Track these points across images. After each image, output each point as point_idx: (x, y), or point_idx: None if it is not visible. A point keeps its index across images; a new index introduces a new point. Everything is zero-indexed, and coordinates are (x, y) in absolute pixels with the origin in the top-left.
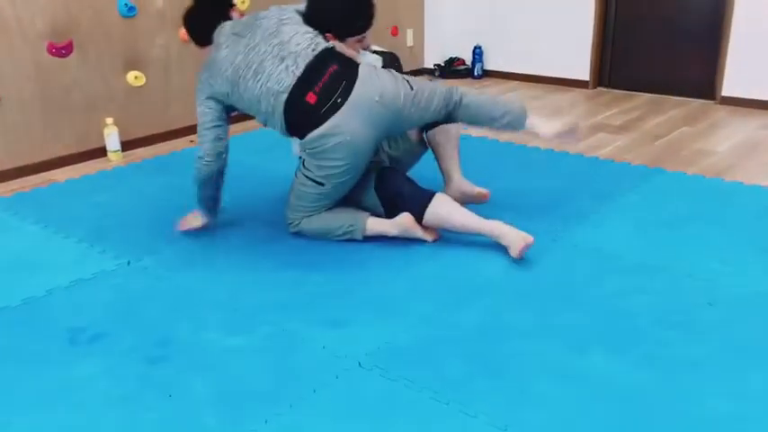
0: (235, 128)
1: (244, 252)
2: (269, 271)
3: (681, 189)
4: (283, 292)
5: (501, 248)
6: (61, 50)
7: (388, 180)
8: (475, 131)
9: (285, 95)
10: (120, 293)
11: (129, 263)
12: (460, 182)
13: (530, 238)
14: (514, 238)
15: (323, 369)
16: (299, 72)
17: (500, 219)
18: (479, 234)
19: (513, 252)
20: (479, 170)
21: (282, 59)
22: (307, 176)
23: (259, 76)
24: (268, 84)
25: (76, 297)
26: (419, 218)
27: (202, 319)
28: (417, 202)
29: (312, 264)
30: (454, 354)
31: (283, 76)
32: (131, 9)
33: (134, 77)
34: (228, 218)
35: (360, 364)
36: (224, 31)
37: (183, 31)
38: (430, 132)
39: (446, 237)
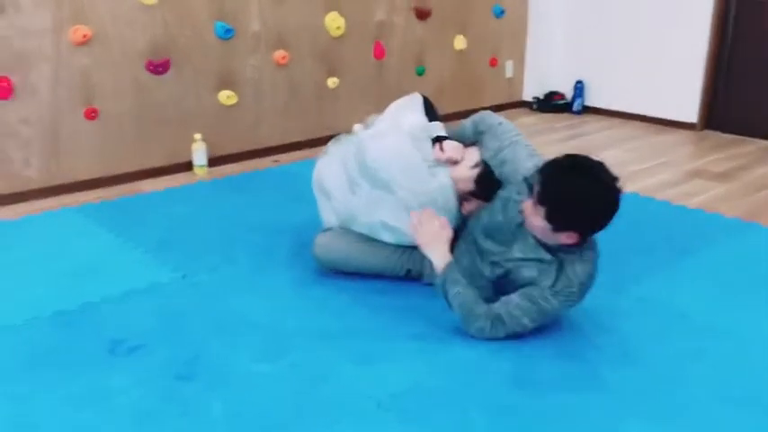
0: None
1: (297, 278)
2: (316, 300)
3: None
4: (324, 322)
5: None
6: (158, 68)
7: None
8: None
9: None
10: (167, 307)
11: (184, 276)
12: None
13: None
14: None
15: (340, 407)
16: None
17: None
18: None
19: None
20: None
21: None
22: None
23: None
24: None
25: (126, 307)
26: None
27: (237, 341)
28: None
29: (360, 295)
30: (482, 403)
31: None
32: (228, 31)
33: (226, 97)
34: (293, 242)
35: (379, 404)
36: None
37: (277, 54)
38: None
39: None
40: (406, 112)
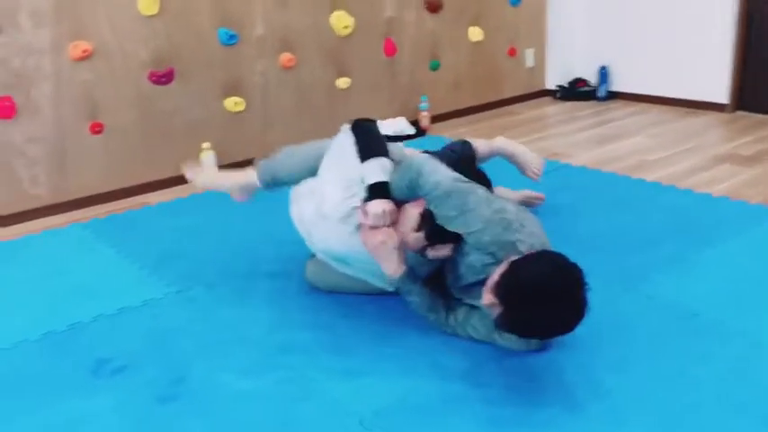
0: None
1: (293, 290)
2: (308, 312)
3: None
4: (313, 336)
5: None
6: (162, 78)
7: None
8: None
9: None
10: (158, 324)
11: (179, 292)
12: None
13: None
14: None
15: (322, 424)
16: None
17: (576, 260)
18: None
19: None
20: (573, 202)
21: None
22: None
23: None
24: None
25: (117, 325)
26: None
27: (225, 358)
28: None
29: (350, 308)
30: (473, 417)
31: None
32: (232, 37)
33: (233, 103)
34: (295, 252)
35: (361, 422)
36: None
37: (283, 57)
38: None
39: None
40: (337, 167)
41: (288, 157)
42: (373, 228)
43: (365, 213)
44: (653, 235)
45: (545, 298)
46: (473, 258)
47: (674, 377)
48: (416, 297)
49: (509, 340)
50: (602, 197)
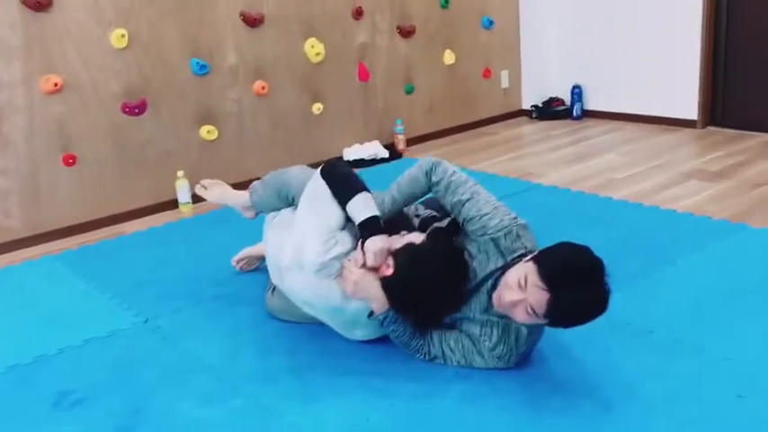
0: None
1: (257, 316)
2: (271, 337)
3: (759, 251)
4: (274, 361)
5: None
6: (134, 109)
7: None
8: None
9: None
10: (122, 355)
11: (146, 321)
12: None
13: None
14: None
15: None
16: None
17: None
18: None
19: None
20: (539, 221)
21: None
22: None
23: None
24: None
25: (82, 357)
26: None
27: (185, 387)
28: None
29: (314, 333)
30: None
31: None
32: (203, 67)
33: (206, 132)
34: (265, 278)
35: None
36: None
37: (256, 85)
38: None
39: None
40: (316, 215)
41: (276, 179)
42: (372, 268)
43: (364, 254)
44: (615, 253)
45: (588, 275)
46: (481, 259)
47: (624, 394)
48: (400, 326)
49: (492, 358)
50: (568, 216)
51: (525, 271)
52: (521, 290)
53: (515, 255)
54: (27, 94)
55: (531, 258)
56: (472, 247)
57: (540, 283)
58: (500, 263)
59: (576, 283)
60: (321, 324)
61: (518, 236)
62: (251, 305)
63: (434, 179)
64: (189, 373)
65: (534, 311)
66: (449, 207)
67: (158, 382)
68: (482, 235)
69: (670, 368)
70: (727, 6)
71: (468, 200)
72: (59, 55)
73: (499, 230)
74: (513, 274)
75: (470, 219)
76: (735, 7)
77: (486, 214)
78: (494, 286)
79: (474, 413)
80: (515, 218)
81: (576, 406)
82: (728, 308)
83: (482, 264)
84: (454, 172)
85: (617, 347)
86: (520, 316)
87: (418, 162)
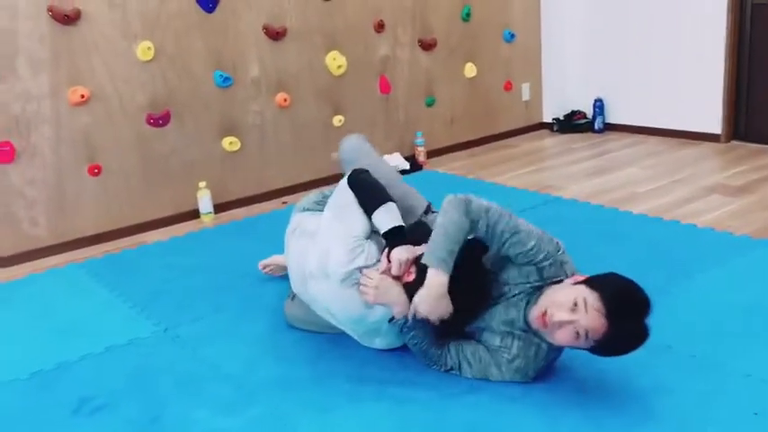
0: None
1: (278, 324)
2: (290, 346)
3: None
4: (293, 370)
5: None
6: (159, 120)
7: None
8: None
9: None
10: (142, 363)
11: (166, 330)
12: None
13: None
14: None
15: None
16: None
17: None
18: None
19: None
20: (558, 235)
21: None
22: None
23: None
24: None
25: (102, 365)
26: None
27: (203, 395)
28: None
29: (333, 341)
30: None
31: None
32: (227, 80)
33: (229, 143)
34: (284, 286)
35: None
36: None
37: (278, 97)
38: None
39: None
40: (342, 222)
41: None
42: (396, 276)
43: (389, 261)
44: (634, 267)
45: (644, 310)
46: (514, 274)
47: (641, 409)
48: (419, 333)
49: (509, 371)
50: (587, 230)
51: (582, 294)
52: (573, 311)
53: (555, 278)
54: (54, 105)
55: (583, 282)
56: (508, 261)
57: (602, 309)
58: (536, 281)
59: (635, 316)
60: (339, 332)
61: (561, 264)
62: (270, 314)
63: (474, 218)
64: (207, 382)
65: (587, 335)
66: (490, 245)
67: (177, 390)
68: (527, 263)
69: (687, 384)
70: (751, 19)
71: (508, 239)
72: (86, 67)
73: (544, 261)
74: (565, 295)
75: (516, 255)
76: (758, 20)
77: (530, 250)
78: (527, 303)
79: (489, 424)
80: (557, 243)
81: (592, 421)
82: (747, 324)
83: (514, 276)
84: (488, 209)
85: (634, 362)
86: (564, 337)
87: (447, 202)
